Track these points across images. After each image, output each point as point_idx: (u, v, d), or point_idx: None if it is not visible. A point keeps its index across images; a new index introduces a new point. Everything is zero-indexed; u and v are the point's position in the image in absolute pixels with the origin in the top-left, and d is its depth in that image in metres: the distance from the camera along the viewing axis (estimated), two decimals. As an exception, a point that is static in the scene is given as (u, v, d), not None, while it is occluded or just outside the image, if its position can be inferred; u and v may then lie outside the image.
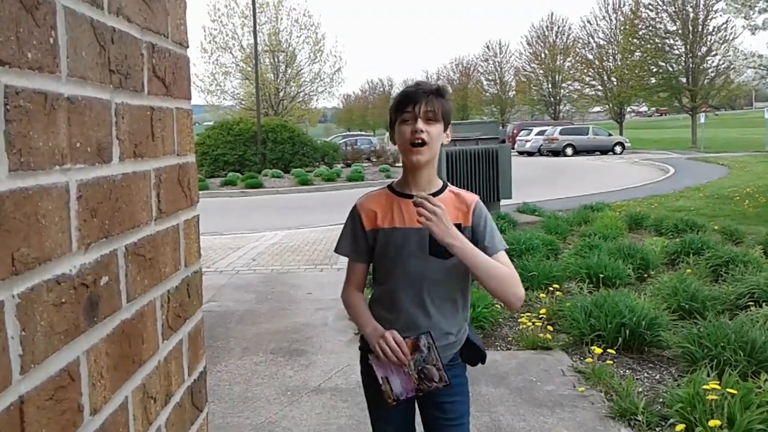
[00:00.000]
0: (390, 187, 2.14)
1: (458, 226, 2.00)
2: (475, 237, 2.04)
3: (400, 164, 2.21)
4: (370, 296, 2.23)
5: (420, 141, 1.96)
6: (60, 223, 0.77)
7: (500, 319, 5.54)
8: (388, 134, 2.18)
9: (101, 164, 0.88)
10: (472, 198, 2.10)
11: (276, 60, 41.56)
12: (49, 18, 0.76)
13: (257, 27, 31.45)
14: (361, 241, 2.11)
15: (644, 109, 52.63)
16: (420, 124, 1.96)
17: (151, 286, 1.05)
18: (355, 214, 2.12)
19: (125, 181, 0.96)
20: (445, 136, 2.04)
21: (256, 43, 30.34)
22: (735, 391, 3.42)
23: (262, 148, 27.66)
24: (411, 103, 1.97)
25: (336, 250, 2.19)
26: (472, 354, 2.16)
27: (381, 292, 2.14)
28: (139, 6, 1.03)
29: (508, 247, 2.13)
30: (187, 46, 1.29)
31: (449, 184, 2.13)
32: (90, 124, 0.85)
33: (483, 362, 2.20)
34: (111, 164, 0.91)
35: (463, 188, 2.17)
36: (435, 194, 2.04)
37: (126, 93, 0.97)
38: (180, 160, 1.22)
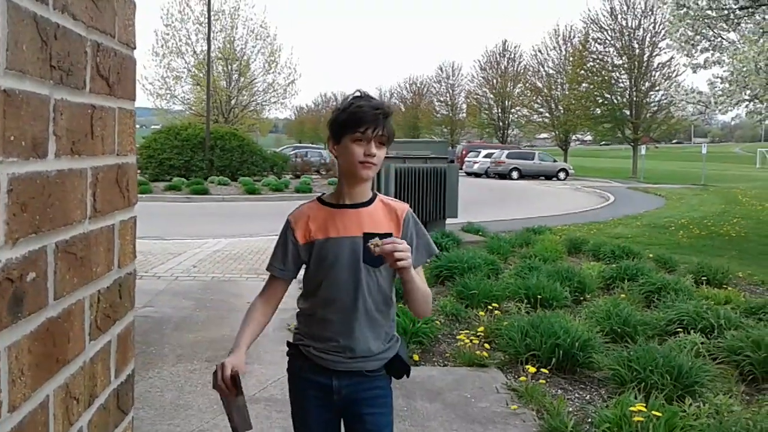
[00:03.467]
0: (320, 199, 2.14)
1: (389, 236, 2.03)
2: None
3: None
4: (297, 311, 2.21)
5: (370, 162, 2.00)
6: (-12, 215, 0.76)
7: (439, 336, 5.59)
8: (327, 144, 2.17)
9: (36, 159, 0.87)
10: (402, 207, 2.13)
11: (229, 68, 41.11)
12: (-10, 10, 0.75)
13: (212, 34, 31.12)
14: (291, 257, 2.10)
15: (588, 138, 54.00)
16: (373, 148, 1.99)
17: (81, 285, 1.04)
18: (288, 230, 2.10)
19: (60, 178, 0.95)
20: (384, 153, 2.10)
21: (209, 50, 29.98)
22: (660, 414, 3.53)
23: (209, 154, 27.29)
24: (366, 125, 1.98)
25: (267, 268, 2.15)
26: (397, 367, 2.17)
27: (311, 304, 2.13)
28: (86, 4, 1.02)
29: (437, 252, 2.18)
30: (134, 48, 1.29)
31: (378, 194, 2.15)
32: (26, 118, 0.84)
33: (408, 375, 2.22)
34: (46, 160, 0.90)
35: (412, 205, 2.21)
36: (366, 203, 2.08)
37: (66, 90, 0.97)
38: (119, 160, 1.21)
